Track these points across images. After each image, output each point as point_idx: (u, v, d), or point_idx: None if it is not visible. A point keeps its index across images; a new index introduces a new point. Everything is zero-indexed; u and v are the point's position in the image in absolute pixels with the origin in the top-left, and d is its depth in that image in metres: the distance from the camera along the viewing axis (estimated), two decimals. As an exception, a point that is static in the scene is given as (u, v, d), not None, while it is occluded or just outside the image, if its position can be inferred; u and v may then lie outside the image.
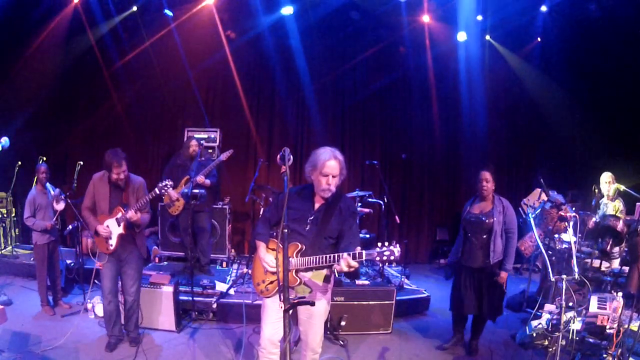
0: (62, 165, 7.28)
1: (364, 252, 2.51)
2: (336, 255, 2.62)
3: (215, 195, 6.23)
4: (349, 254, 2.53)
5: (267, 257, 2.87)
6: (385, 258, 2.46)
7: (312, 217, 2.84)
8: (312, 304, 2.52)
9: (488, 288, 4.08)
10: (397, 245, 2.48)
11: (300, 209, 2.87)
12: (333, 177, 2.79)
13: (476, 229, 4.11)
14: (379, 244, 2.49)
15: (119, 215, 3.83)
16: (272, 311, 2.88)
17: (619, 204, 5.66)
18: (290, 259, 2.75)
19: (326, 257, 2.65)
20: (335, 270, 2.73)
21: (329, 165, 2.76)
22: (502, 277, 4.00)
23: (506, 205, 4.12)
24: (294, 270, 2.76)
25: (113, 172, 3.80)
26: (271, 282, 2.86)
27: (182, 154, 5.98)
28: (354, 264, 2.53)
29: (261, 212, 4.41)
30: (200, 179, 5.59)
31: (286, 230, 2.35)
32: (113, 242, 3.88)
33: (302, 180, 7.67)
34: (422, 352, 4.41)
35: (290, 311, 2.69)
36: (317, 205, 2.89)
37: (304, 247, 2.78)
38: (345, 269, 2.55)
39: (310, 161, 2.87)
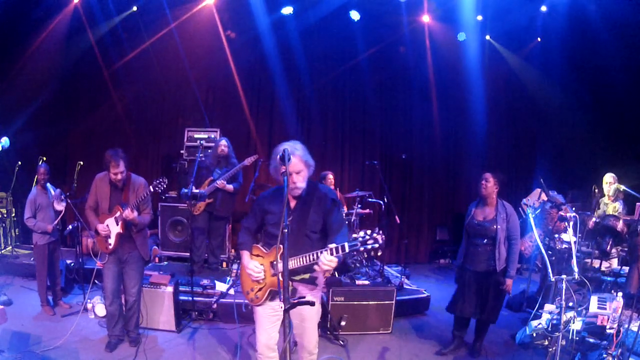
0: (62, 165, 7.28)
1: (346, 244, 2.38)
2: (315, 253, 2.53)
3: (233, 202, 6.14)
4: (324, 250, 2.44)
5: (251, 264, 2.80)
6: (369, 247, 2.32)
7: (290, 218, 2.75)
8: (312, 304, 2.49)
9: (491, 293, 4.08)
10: (381, 232, 2.34)
11: (276, 212, 2.79)
12: (297, 174, 2.68)
13: (480, 235, 4.11)
14: (362, 233, 2.33)
15: (118, 214, 3.84)
16: (264, 318, 2.86)
17: (618, 206, 5.66)
18: (274, 262, 2.71)
19: (306, 256, 2.58)
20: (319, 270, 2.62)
21: (289, 163, 2.64)
22: (507, 284, 4.01)
23: (510, 212, 4.11)
24: (279, 274, 2.67)
25: (110, 171, 3.81)
26: (260, 289, 2.81)
27: (209, 155, 5.94)
28: (332, 259, 2.42)
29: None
30: (221, 183, 5.59)
31: (286, 231, 2.30)
32: (112, 241, 3.88)
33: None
34: (422, 352, 4.41)
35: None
36: (292, 204, 2.79)
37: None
38: (325, 267, 2.46)
39: (272, 162, 2.75)
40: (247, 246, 2.89)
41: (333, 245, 2.44)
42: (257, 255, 2.84)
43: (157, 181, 3.82)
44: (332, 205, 2.78)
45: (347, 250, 2.38)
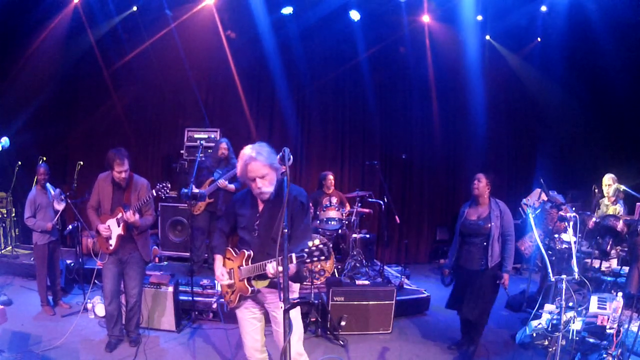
0: (62, 165, 7.29)
1: (293, 255, 2.34)
2: (265, 262, 2.52)
3: None
4: (273, 261, 2.43)
5: (218, 271, 2.79)
6: (316, 259, 2.29)
7: (257, 222, 2.71)
8: (312, 303, 2.49)
9: (484, 292, 4.09)
10: (326, 245, 2.30)
11: (246, 215, 2.75)
12: (260, 178, 2.61)
13: (474, 234, 4.13)
14: (310, 243, 2.31)
15: (119, 215, 3.83)
16: (246, 322, 2.85)
17: (619, 208, 5.65)
18: (241, 267, 2.69)
19: (257, 266, 2.58)
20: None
21: (250, 169, 2.59)
22: (505, 279, 4.01)
23: (503, 209, 4.13)
24: (245, 279, 2.66)
25: (115, 169, 3.79)
26: (232, 293, 2.79)
27: (210, 156, 5.96)
28: (279, 269, 2.40)
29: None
30: (223, 182, 5.60)
31: (286, 231, 2.26)
32: (113, 242, 3.88)
33: (301, 180, 7.68)
34: (422, 352, 4.41)
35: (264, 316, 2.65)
36: (260, 207, 2.74)
37: (252, 254, 2.67)
38: (271, 275, 2.46)
39: (238, 166, 2.72)
40: (220, 249, 2.87)
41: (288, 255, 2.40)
42: (229, 259, 2.81)
43: (160, 185, 3.80)
44: (299, 208, 2.68)
45: (294, 261, 2.34)
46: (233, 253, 2.80)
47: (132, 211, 3.76)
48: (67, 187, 5.33)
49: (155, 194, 3.82)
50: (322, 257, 2.27)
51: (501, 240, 4.08)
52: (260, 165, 2.59)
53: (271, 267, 2.49)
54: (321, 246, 2.27)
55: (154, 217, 4.10)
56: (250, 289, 2.66)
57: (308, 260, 2.28)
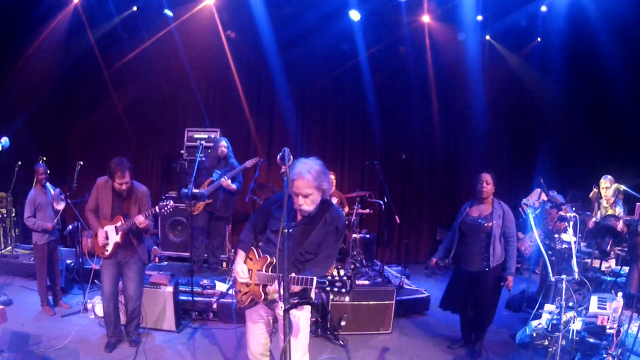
0: (62, 165, 7.28)
1: (315, 278, 2.28)
2: (274, 276, 2.50)
3: (234, 202, 6.14)
4: (276, 277, 2.42)
5: (239, 266, 2.73)
6: (336, 290, 2.23)
7: (291, 230, 2.60)
8: (312, 303, 2.47)
9: (486, 292, 4.08)
10: (350, 279, 2.24)
11: (280, 219, 2.60)
12: (304, 197, 2.52)
13: (474, 232, 4.10)
14: (335, 272, 2.25)
15: (119, 223, 3.84)
16: (252, 324, 2.83)
17: (619, 210, 5.65)
18: (259, 271, 2.63)
19: (273, 276, 2.55)
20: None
21: (296, 184, 2.50)
22: (509, 280, 4.00)
23: (506, 210, 4.10)
24: (260, 285, 2.61)
25: (115, 181, 3.79)
26: (245, 293, 2.73)
27: (209, 155, 5.97)
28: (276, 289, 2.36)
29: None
30: (226, 182, 5.61)
31: (286, 231, 2.26)
32: (109, 248, 3.89)
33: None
34: (422, 352, 4.41)
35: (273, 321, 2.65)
36: (299, 217, 2.67)
37: (274, 261, 2.59)
38: (275, 294, 2.44)
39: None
40: (245, 246, 2.80)
41: (293, 275, 2.38)
42: (250, 259, 2.76)
43: (164, 203, 3.78)
44: (334, 233, 2.63)
45: (313, 285, 2.29)
46: (256, 255, 2.73)
47: (145, 215, 3.76)
48: (67, 187, 5.33)
49: (158, 211, 3.79)
50: (343, 290, 2.22)
51: (503, 242, 4.06)
52: (307, 184, 2.50)
53: (276, 285, 2.46)
54: (345, 278, 2.22)
55: (152, 221, 4.10)
56: (263, 295, 2.61)
57: (328, 289, 2.23)
